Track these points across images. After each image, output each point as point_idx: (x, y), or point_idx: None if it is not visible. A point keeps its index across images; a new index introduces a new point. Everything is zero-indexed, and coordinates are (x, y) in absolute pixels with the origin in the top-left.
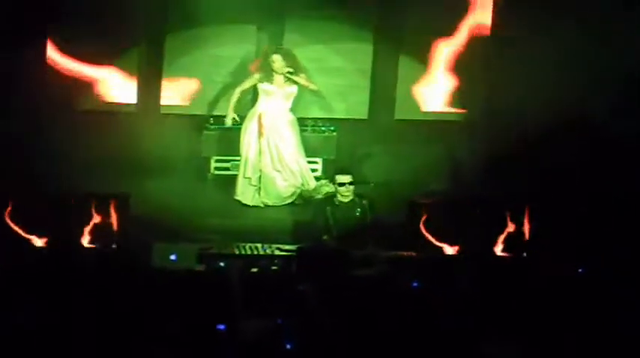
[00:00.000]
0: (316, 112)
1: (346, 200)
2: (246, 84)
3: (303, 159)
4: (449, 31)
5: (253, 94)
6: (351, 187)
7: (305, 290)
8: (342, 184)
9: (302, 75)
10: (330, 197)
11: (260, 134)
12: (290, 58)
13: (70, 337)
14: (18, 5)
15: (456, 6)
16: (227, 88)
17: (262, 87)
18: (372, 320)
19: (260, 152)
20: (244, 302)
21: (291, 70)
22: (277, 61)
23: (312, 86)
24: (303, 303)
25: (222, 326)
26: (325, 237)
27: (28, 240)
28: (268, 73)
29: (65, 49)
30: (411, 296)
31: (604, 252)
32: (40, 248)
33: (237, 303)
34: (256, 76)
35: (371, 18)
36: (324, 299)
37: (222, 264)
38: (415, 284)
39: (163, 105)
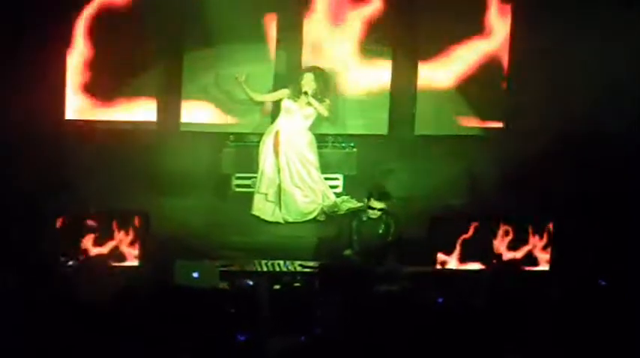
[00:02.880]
0: (336, 129)
1: (374, 217)
2: (271, 96)
3: (321, 177)
4: (467, 45)
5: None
6: (380, 212)
7: (328, 307)
8: (372, 208)
9: (326, 99)
10: (357, 212)
11: (276, 152)
12: (321, 80)
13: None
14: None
15: (473, 19)
16: (246, 106)
17: (284, 104)
18: (396, 337)
19: (278, 169)
20: (267, 319)
21: (307, 90)
22: (306, 79)
23: (322, 111)
24: (326, 320)
25: (242, 338)
26: (347, 252)
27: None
28: (296, 91)
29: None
30: (435, 311)
31: (625, 264)
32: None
33: (261, 320)
34: (285, 91)
35: (389, 33)
36: (347, 315)
37: (249, 281)
38: (441, 300)
39: (183, 123)
